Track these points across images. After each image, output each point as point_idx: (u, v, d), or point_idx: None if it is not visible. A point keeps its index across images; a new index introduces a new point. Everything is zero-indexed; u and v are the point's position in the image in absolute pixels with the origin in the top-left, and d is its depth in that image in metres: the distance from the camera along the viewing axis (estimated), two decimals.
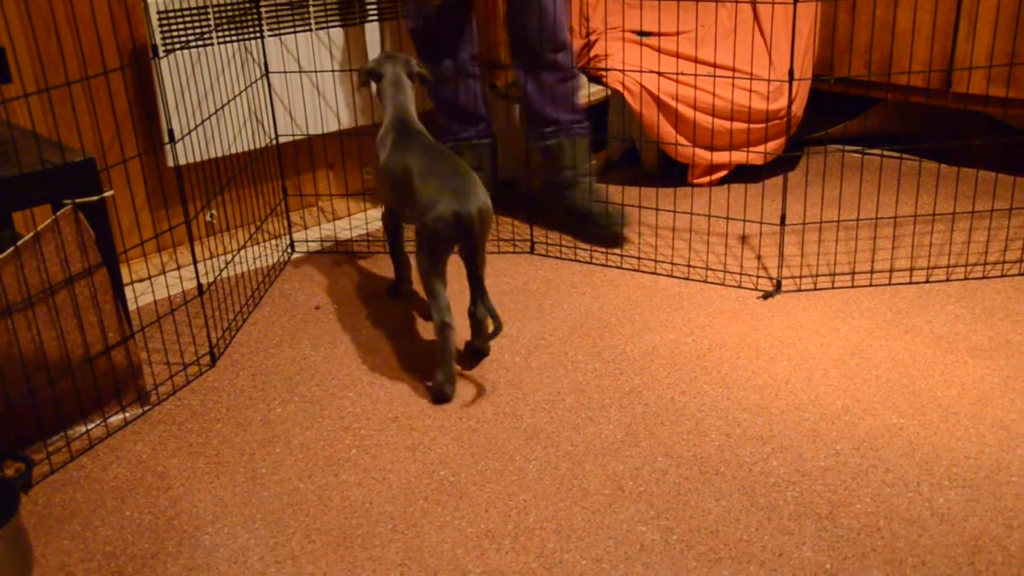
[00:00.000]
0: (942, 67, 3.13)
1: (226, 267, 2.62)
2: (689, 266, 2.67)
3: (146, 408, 2.14)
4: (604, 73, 3.17)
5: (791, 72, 2.38)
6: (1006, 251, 2.66)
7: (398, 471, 1.89)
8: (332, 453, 1.96)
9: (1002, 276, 2.55)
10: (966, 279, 2.54)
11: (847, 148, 3.53)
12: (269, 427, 2.05)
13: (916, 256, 2.67)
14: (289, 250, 2.93)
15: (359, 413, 2.09)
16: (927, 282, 2.54)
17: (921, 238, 2.78)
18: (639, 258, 2.74)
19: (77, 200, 1.92)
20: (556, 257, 2.80)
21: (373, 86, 2.48)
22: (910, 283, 2.54)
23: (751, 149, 3.16)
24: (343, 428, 2.04)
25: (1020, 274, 2.55)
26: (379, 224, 3.11)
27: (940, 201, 3.00)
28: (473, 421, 2.04)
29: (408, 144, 2.27)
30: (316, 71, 2.92)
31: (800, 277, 2.59)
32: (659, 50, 3.17)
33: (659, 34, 3.25)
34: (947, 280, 2.54)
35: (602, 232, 2.83)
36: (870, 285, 2.54)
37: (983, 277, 2.55)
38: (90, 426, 2.05)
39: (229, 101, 2.64)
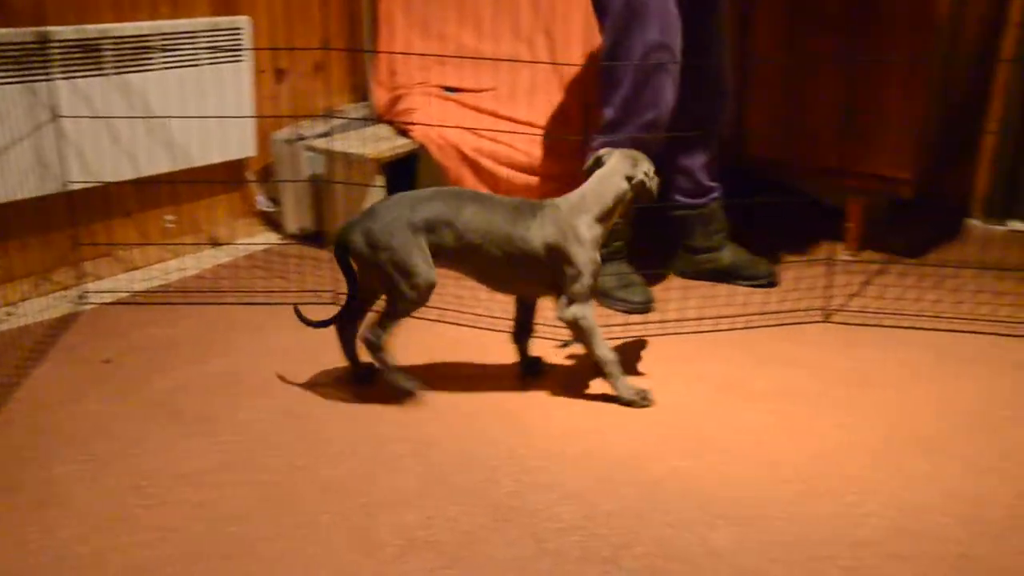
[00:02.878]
0: (733, 128, 3.34)
1: (6, 320, 2.47)
2: (491, 317, 2.73)
3: None
4: (410, 127, 3.22)
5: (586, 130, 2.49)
6: (783, 302, 2.86)
7: (184, 529, 1.82)
8: (114, 513, 1.87)
9: (780, 325, 2.73)
10: (747, 328, 2.71)
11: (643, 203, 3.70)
12: (45, 488, 1.94)
13: (704, 307, 2.83)
14: (80, 301, 2.80)
15: (147, 470, 2.01)
16: (714, 331, 2.69)
17: (711, 289, 2.95)
18: (442, 309, 2.77)
19: None
20: None
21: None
22: (698, 332, 2.68)
23: None
24: (129, 487, 1.95)
25: (795, 323, 2.74)
26: (179, 275, 3.03)
27: None
28: (268, 475, 2.00)
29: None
30: (111, 116, 2.82)
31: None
32: (466, 105, 3.26)
33: (467, 90, 3.34)
34: (731, 329, 2.71)
35: (757, 282, 2.97)
36: (662, 334, 2.67)
37: (762, 326, 2.72)
38: None
39: (11, 145, 2.51)
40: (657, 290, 2.91)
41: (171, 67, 2.93)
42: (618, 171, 2.26)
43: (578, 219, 2.22)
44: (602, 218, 2.25)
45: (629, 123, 2.65)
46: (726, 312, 2.80)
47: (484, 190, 3.18)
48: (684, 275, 3.05)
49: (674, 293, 2.92)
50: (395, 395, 2.31)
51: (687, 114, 2.75)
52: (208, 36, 3.00)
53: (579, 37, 3.21)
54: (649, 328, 2.69)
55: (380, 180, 3.09)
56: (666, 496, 1.94)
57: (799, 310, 2.81)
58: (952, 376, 2.44)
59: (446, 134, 3.16)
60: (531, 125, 3.18)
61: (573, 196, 2.26)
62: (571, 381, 2.40)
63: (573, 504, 1.91)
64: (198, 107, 3.00)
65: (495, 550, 1.77)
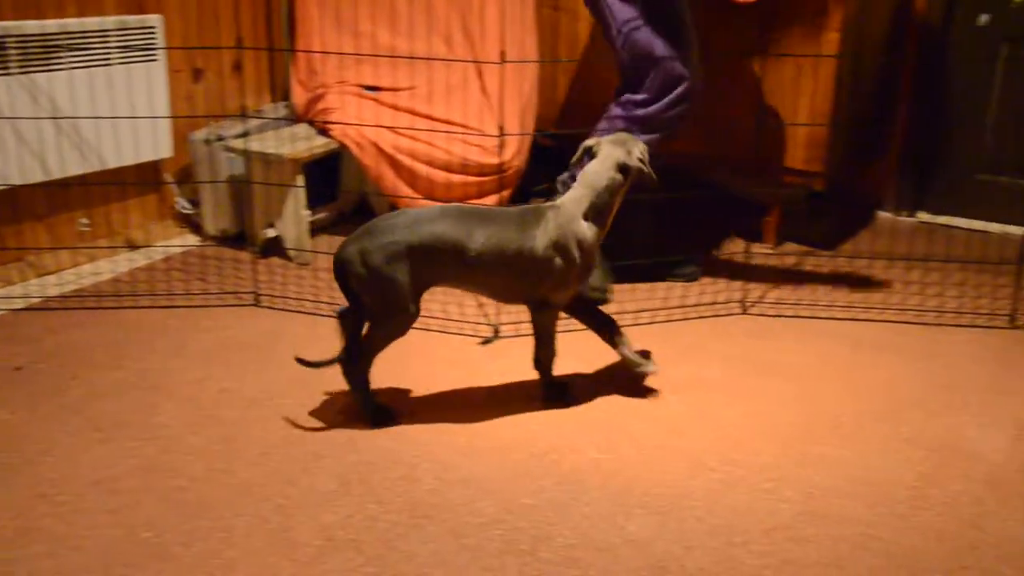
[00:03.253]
0: None
1: None
2: None
3: None
4: (331, 126, 3.20)
5: (501, 127, 2.50)
6: (702, 295, 2.91)
7: (97, 537, 1.79)
8: (22, 524, 1.82)
9: (699, 318, 2.78)
10: (668, 322, 2.75)
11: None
12: None
13: (625, 300, 2.86)
14: None
15: (57, 478, 1.96)
16: (635, 325, 2.72)
17: (633, 284, 2.98)
18: None
19: None
20: (281, 309, 2.77)
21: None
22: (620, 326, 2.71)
23: (477, 201, 3.27)
24: (37, 496, 1.91)
25: (714, 316, 2.79)
26: (94, 279, 2.96)
27: None
28: (183, 480, 1.97)
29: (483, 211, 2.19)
30: (18, 117, 2.75)
31: (518, 323, 2.70)
32: (384, 104, 3.24)
33: (386, 89, 3.33)
34: (651, 323, 2.74)
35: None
36: (585, 329, 2.69)
37: (682, 320, 2.77)
38: None
39: None
40: None
41: (80, 67, 2.86)
42: (608, 162, 2.14)
43: (577, 221, 2.13)
44: (599, 216, 2.15)
45: (662, 98, 2.71)
46: (647, 306, 2.83)
47: (404, 186, 3.17)
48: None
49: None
50: (311, 396, 2.29)
51: None
52: (119, 35, 2.93)
53: (495, 33, 3.22)
54: (571, 323, 2.71)
55: (300, 180, 3.06)
56: (585, 488, 1.96)
57: (718, 303, 2.86)
58: (862, 364, 2.51)
59: (365, 132, 3.14)
60: (449, 123, 3.17)
61: (569, 197, 2.17)
62: (490, 377, 2.41)
63: (493, 498, 1.92)
64: (110, 107, 2.93)
65: (415, 547, 1.77)
